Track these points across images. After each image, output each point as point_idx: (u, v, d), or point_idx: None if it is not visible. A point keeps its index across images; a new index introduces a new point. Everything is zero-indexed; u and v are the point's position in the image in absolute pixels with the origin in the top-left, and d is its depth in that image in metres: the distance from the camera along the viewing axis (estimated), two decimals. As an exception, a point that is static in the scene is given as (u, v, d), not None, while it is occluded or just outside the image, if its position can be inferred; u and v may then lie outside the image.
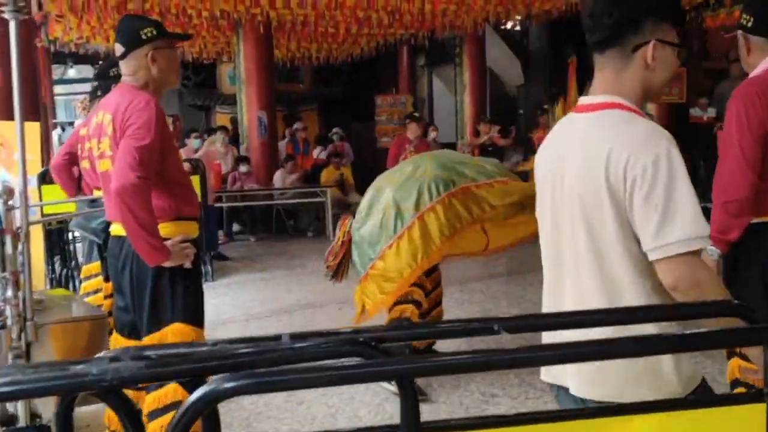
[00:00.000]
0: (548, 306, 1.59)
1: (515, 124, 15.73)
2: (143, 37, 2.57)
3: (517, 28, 14.19)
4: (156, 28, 2.62)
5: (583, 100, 1.57)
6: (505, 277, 6.41)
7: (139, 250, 2.45)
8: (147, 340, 2.58)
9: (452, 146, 12.73)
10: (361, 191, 10.71)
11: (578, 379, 1.44)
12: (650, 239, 1.36)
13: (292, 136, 11.93)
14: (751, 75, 2.10)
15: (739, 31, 2.16)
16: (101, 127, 2.58)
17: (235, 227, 9.85)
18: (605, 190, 1.40)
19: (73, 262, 5.32)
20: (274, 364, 0.97)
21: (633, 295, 1.41)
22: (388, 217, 3.62)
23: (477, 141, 9.19)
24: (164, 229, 2.52)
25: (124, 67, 2.62)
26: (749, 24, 2.10)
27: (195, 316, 2.64)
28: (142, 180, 2.37)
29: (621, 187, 1.38)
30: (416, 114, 7.67)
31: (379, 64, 15.39)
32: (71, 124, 12.54)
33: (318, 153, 11.96)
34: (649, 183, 1.34)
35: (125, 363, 0.92)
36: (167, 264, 2.50)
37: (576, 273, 1.48)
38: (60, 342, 2.96)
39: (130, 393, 2.57)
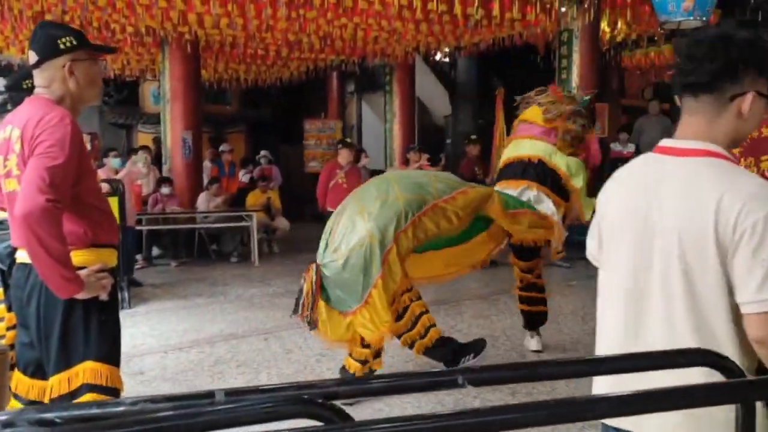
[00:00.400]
0: (618, 346, 1.55)
1: (443, 153, 15.93)
2: (61, 46, 2.34)
3: (446, 59, 14.45)
4: (76, 38, 2.38)
5: (669, 143, 1.57)
6: (435, 305, 6.34)
7: (48, 282, 2.20)
8: (53, 380, 2.32)
9: (381, 173, 12.74)
10: (288, 216, 10.61)
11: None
12: (751, 292, 1.38)
13: (216, 158, 11.60)
14: None
15: None
16: (8, 143, 2.33)
17: (155, 251, 9.43)
18: (712, 235, 1.41)
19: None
20: (208, 428, 0.82)
21: (728, 340, 1.42)
22: (374, 246, 3.67)
23: (407, 169, 9.18)
24: (78, 257, 2.29)
25: (38, 78, 2.39)
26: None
27: (110, 352, 2.41)
28: (52, 204, 2.12)
29: (729, 236, 1.40)
30: (348, 140, 7.61)
31: (308, 88, 15.29)
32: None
33: (242, 175, 11.69)
34: (759, 237, 1.37)
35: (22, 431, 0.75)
36: (81, 296, 2.26)
37: (667, 313, 1.47)
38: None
39: None
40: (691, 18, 7.97)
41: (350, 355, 3.92)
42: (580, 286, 7.26)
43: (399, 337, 4.00)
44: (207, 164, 11.11)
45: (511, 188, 4.47)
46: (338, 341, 3.88)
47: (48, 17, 8.21)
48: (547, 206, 4.44)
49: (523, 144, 4.68)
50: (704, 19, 8.16)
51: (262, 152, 12.55)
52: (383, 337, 3.78)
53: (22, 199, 2.15)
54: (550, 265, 8.41)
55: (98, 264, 2.33)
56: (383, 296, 3.67)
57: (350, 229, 3.76)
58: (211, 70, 12.26)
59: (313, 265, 3.81)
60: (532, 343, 4.83)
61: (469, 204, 3.96)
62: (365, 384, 0.97)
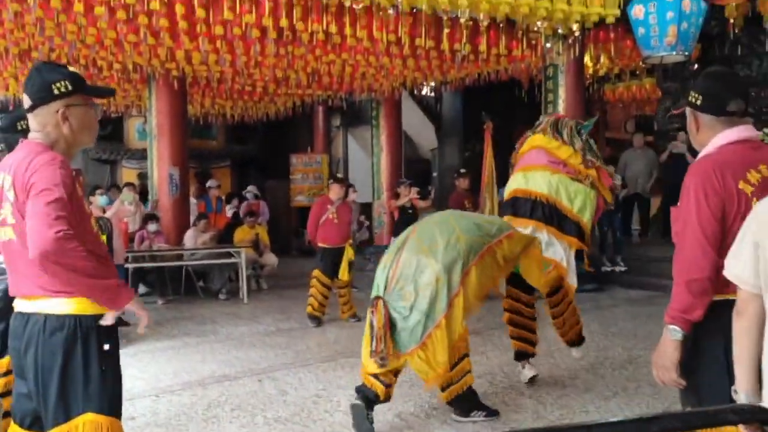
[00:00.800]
0: None
1: (430, 186, 15.98)
2: (55, 91, 2.27)
3: (432, 94, 14.58)
4: (72, 82, 2.31)
5: None
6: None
7: (101, 301, 2.22)
8: None
9: (368, 206, 12.73)
10: (275, 251, 10.50)
11: None
12: None
13: (204, 194, 11.52)
14: (703, 152, 2.10)
15: (688, 109, 2.17)
16: (1, 191, 2.27)
17: (142, 289, 9.27)
18: None
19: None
20: None
21: None
22: (441, 288, 3.72)
23: (397, 203, 9.18)
24: (79, 304, 2.23)
25: (32, 121, 2.32)
26: (698, 102, 2.11)
27: (111, 403, 2.32)
28: (63, 233, 2.08)
29: None
30: (339, 176, 7.61)
31: (294, 123, 15.34)
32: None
33: (228, 210, 11.60)
34: None
35: None
36: (130, 308, 2.31)
37: None
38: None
39: None
40: (674, 53, 8.13)
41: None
42: (574, 320, 7.22)
43: None
44: (193, 200, 11.02)
45: (520, 227, 4.39)
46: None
47: (34, 54, 8.19)
48: (556, 251, 4.41)
49: (533, 177, 4.58)
50: (686, 53, 8.33)
51: (249, 187, 12.49)
52: (436, 380, 3.79)
53: (34, 243, 2.09)
54: (539, 298, 8.41)
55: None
56: (445, 338, 3.69)
57: (415, 270, 3.77)
58: (197, 106, 12.26)
59: (380, 301, 3.78)
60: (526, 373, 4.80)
61: (515, 248, 4.03)
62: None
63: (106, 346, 2.29)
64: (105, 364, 2.29)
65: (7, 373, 2.95)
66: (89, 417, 2.25)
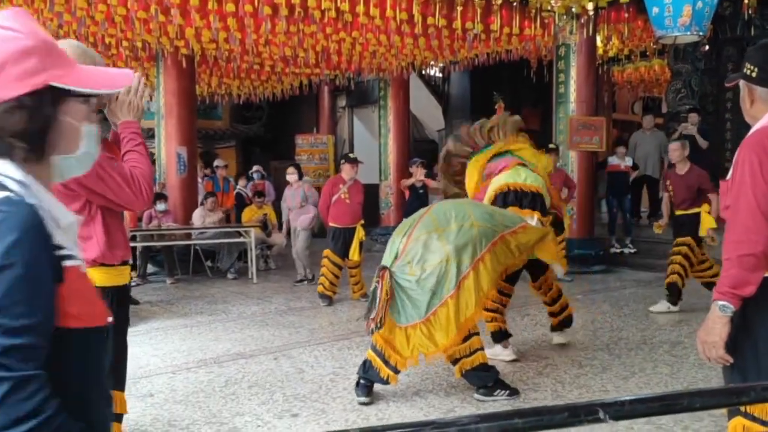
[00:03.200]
0: None
1: (435, 168, 15.88)
2: None
3: (439, 74, 14.48)
4: None
5: None
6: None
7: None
8: None
9: (376, 187, 12.69)
10: (280, 231, 10.46)
11: None
12: None
13: (212, 174, 11.45)
14: (758, 126, 2.04)
15: (742, 82, 2.11)
16: None
17: (150, 268, 9.27)
18: None
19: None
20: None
21: None
22: (450, 267, 3.83)
23: (408, 182, 9.15)
24: (95, 274, 2.25)
25: None
26: (753, 74, 2.05)
27: (117, 378, 2.34)
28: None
29: None
30: (352, 155, 7.54)
31: (299, 103, 15.26)
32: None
33: (243, 187, 11.50)
34: None
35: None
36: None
37: None
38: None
39: None
40: (688, 33, 8.02)
41: (382, 356, 3.92)
42: (586, 300, 7.22)
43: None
44: (199, 180, 10.97)
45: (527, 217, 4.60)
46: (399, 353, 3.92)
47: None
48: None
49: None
50: (701, 34, 8.23)
51: (255, 167, 12.44)
52: (436, 354, 3.91)
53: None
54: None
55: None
56: (451, 318, 3.78)
57: (427, 247, 3.87)
58: (204, 85, 12.17)
59: (387, 272, 3.87)
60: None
61: (531, 238, 4.18)
62: (507, 420, 0.90)
63: (109, 319, 2.29)
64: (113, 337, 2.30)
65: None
66: None
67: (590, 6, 8.03)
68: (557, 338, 5.29)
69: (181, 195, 9.81)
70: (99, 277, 2.27)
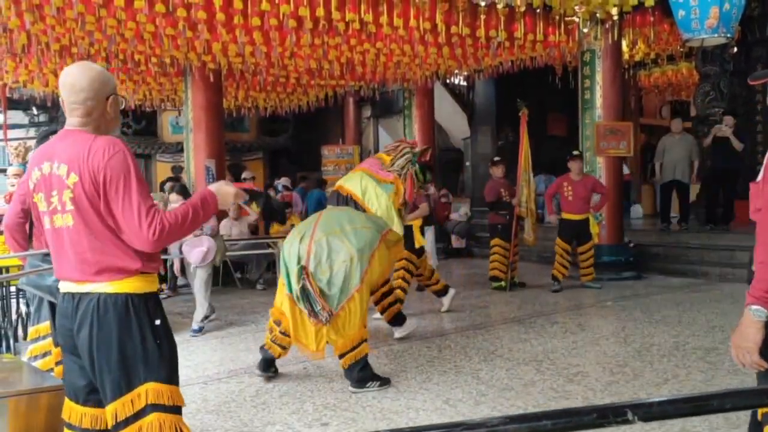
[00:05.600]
0: None
1: (461, 175, 15.91)
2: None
3: (464, 82, 14.49)
4: None
5: None
6: (471, 330, 6.26)
7: (209, 216, 2.43)
8: (115, 405, 2.29)
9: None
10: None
11: None
12: None
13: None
14: None
15: None
16: (49, 178, 2.31)
17: (181, 281, 9.38)
18: None
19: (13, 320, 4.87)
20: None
21: None
22: (354, 266, 4.44)
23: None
24: (128, 284, 2.31)
25: (77, 109, 2.35)
26: None
27: (170, 373, 2.39)
28: (156, 231, 2.24)
29: None
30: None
31: (325, 115, 15.38)
32: (2, 171, 11.90)
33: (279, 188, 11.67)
34: None
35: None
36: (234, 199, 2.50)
37: None
38: (14, 420, 2.61)
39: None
40: (716, 35, 7.93)
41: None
42: (616, 307, 7.15)
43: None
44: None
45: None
46: (306, 347, 4.55)
47: (74, 50, 8.31)
48: None
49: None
50: (728, 36, 8.13)
51: (282, 179, 12.56)
52: (347, 343, 4.47)
53: (133, 242, 2.28)
54: (582, 286, 8.35)
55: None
56: (357, 310, 4.43)
57: (331, 248, 4.45)
58: (231, 98, 12.35)
59: (308, 270, 4.41)
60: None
61: (393, 238, 4.92)
62: (535, 422, 0.91)
63: (157, 321, 2.36)
64: (159, 337, 2.35)
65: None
66: (151, 386, 2.32)
67: (614, 11, 7.99)
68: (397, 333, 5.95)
69: (210, 207, 9.92)
70: (139, 284, 2.33)
